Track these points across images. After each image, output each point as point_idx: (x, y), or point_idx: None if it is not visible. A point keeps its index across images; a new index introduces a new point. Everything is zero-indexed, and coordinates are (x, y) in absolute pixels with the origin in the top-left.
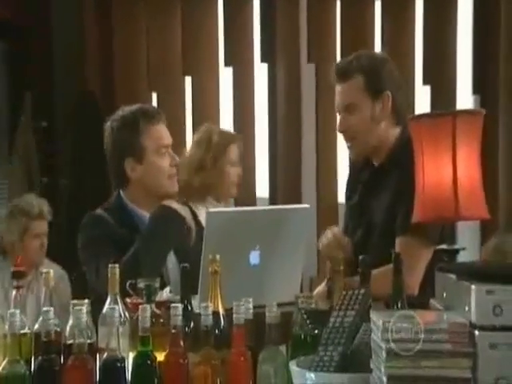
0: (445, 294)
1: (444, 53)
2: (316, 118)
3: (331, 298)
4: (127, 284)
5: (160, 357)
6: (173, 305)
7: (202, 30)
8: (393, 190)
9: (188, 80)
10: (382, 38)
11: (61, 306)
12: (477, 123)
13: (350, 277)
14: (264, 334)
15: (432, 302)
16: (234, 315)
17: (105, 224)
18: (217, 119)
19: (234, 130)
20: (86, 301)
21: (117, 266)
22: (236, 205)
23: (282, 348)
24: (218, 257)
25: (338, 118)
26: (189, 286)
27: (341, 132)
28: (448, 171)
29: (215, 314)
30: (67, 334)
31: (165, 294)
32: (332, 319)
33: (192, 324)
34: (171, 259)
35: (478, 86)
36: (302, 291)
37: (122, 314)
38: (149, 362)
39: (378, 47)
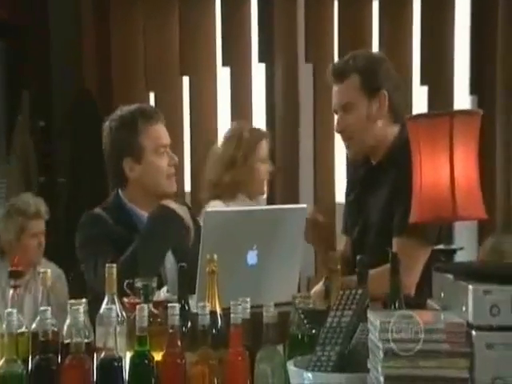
0: (442, 294)
1: (441, 53)
2: (314, 118)
3: (328, 298)
4: (125, 283)
5: (157, 356)
6: (170, 304)
7: (200, 29)
8: (390, 189)
9: (186, 80)
10: (380, 38)
11: (58, 305)
12: (474, 123)
13: (347, 276)
14: (261, 334)
15: (429, 302)
16: (232, 315)
17: (103, 223)
18: (214, 119)
19: None
20: (84, 300)
21: (114, 265)
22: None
23: (280, 348)
24: (215, 256)
25: (336, 118)
26: (186, 285)
27: (338, 132)
28: (445, 171)
29: (212, 313)
30: (65, 333)
31: (162, 293)
32: (329, 319)
33: (189, 324)
34: (169, 259)
35: (476, 87)
36: (299, 291)
37: (120, 314)
38: (146, 361)
39: (375, 47)
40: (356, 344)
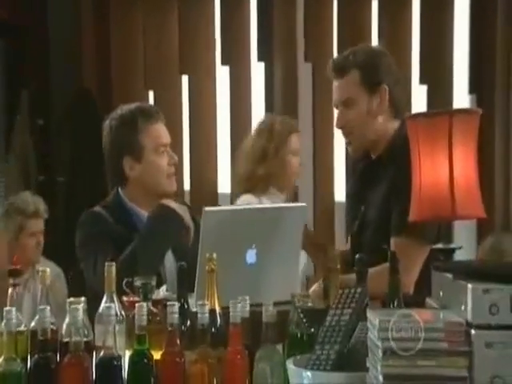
0: (441, 293)
1: (441, 52)
2: (313, 117)
3: (328, 297)
4: (124, 282)
5: (156, 355)
6: (169, 303)
7: (199, 28)
8: (388, 184)
9: (185, 79)
10: (379, 37)
11: (57, 304)
12: (473, 122)
13: (347, 274)
14: (260, 333)
15: (428, 300)
16: (231, 314)
17: (103, 221)
18: (214, 118)
19: (231, 129)
20: (83, 299)
21: (113, 264)
22: (232, 203)
23: (279, 347)
24: (214, 255)
25: (336, 113)
26: (185, 284)
27: (339, 128)
28: (444, 170)
29: (212, 312)
30: (64, 332)
31: (161, 292)
32: (329, 318)
33: (188, 322)
34: (169, 258)
35: (475, 86)
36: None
37: (119, 313)
38: (145, 360)
39: None
40: (355, 343)
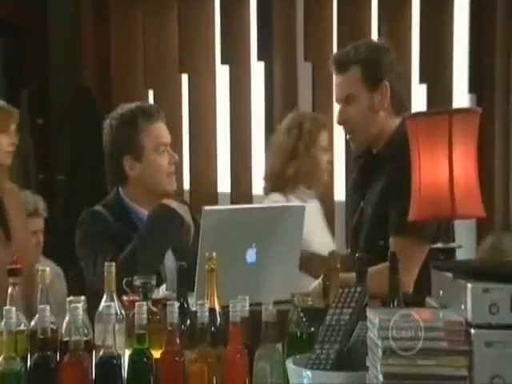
0: (441, 293)
1: (440, 51)
2: None
3: (327, 296)
4: (124, 281)
5: (156, 354)
6: (169, 302)
7: (199, 27)
8: (387, 179)
9: (185, 78)
10: (379, 36)
11: (57, 303)
12: (473, 122)
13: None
14: (260, 332)
15: (428, 300)
16: (231, 313)
17: (103, 220)
18: (213, 117)
19: (231, 129)
20: (83, 298)
21: (113, 263)
22: (232, 203)
23: (279, 346)
24: (214, 254)
25: (337, 109)
26: (185, 283)
27: (340, 124)
28: (444, 170)
29: (211, 311)
30: (63, 331)
31: (161, 291)
32: (328, 317)
33: (188, 321)
34: (169, 257)
35: (475, 85)
36: None
37: (119, 312)
38: (145, 359)
39: None
40: (355, 342)
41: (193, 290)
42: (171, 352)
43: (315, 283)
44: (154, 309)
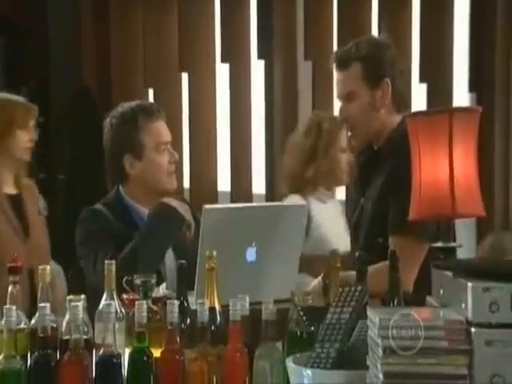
0: (441, 292)
1: (440, 51)
2: None
3: (327, 295)
4: (124, 280)
5: (156, 353)
6: (169, 301)
7: (199, 26)
8: (387, 176)
9: (185, 76)
10: (379, 35)
11: (57, 301)
12: (473, 121)
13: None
14: (260, 331)
15: (428, 299)
16: (231, 311)
17: (103, 219)
18: (213, 116)
19: (231, 127)
20: (83, 296)
21: (113, 262)
22: (232, 201)
23: (279, 344)
24: (214, 253)
25: (338, 107)
26: (185, 282)
27: (341, 121)
28: (444, 169)
29: (211, 310)
30: (63, 329)
31: (161, 290)
32: (328, 316)
33: (188, 320)
34: (169, 256)
35: (475, 84)
36: None
37: (119, 310)
38: (145, 358)
39: None
40: (355, 341)
41: (193, 289)
42: (171, 351)
43: (315, 282)
44: (154, 307)
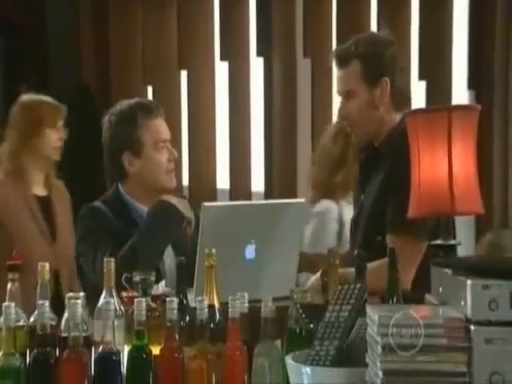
0: (441, 289)
1: (440, 48)
2: (312, 113)
3: (326, 293)
4: (123, 277)
5: (155, 350)
6: (168, 299)
7: (198, 24)
8: (386, 174)
9: (184, 74)
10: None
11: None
12: (472, 119)
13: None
14: (259, 329)
15: (427, 296)
16: (230, 309)
17: (103, 216)
18: (212, 114)
19: (230, 125)
20: (82, 294)
21: (112, 259)
22: (231, 199)
23: (278, 342)
24: (213, 251)
25: (337, 104)
26: (185, 279)
27: (340, 118)
28: (444, 166)
29: (211, 307)
30: (62, 327)
31: (160, 287)
32: (328, 313)
33: (187, 318)
34: (168, 253)
35: (473, 82)
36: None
37: (118, 308)
38: (144, 355)
39: None
40: (354, 339)
41: (192, 287)
42: (170, 348)
43: (312, 278)
44: (153, 305)
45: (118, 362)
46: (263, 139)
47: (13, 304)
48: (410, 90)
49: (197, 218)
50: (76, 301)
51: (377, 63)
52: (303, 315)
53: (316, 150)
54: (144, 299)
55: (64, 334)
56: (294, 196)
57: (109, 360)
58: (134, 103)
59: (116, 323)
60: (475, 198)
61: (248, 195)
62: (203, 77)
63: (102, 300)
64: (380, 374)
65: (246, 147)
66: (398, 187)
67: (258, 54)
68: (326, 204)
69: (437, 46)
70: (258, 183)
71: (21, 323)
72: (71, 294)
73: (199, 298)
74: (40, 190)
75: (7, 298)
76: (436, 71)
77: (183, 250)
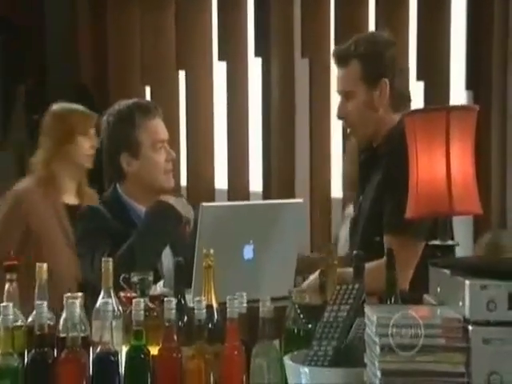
0: (439, 290)
1: (438, 49)
2: (310, 113)
3: (324, 293)
4: (121, 278)
5: (153, 351)
6: (166, 299)
7: (196, 24)
8: (384, 175)
9: (182, 74)
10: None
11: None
12: (470, 119)
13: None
14: (257, 329)
15: (426, 297)
16: (228, 309)
17: (101, 217)
18: (210, 114)
19: (228, 125)
20: (80, 294)
21: (110, 260)
22: (229, 199)
23: (276, 342)
24: (211, 251)
25: (337, 104)
26: (183, 280)
27: (339, 119)
28: (442, 166)
29: (209, 308)
30: (61, 327)
31: (158, 287)
32: (326, 314)
33: (185, 318)
34: (166, 253)
35: (471, 82)
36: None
37: (116, 308)
38: (142, 355)
39: None
40: (353, 339)
41: (190, 287)
42: (168, 348)
43: (310, 278)
44: (152, 305)
45: (116, 363)
46: (261, 139)
47: (11, 304)
48: (409, 91)
49: (195, 218)
50: (74, 301)
51: (377, 64)
52: (301, 315)
53: (346, 152)
54: (142, 299)
55: (62, 335)
56: (292, 196)
57: (107, 360)
58: (132, 103)
59: (114, 323)
60: (473, 199)
61: (246, 195)
62: (201, 77)
63: (100, 300)
64: (378, 374)
65: (244, 147)
66: (396, 187)
67: (256, 54)
68: None
69: (435, 47)
70: (256, 183)
71: (19, 323)
72: (69, 294)
73: (197, 298)
74: (71, 199)
75: (5, 298)
76: (434, 72)
77: (181, 250)
